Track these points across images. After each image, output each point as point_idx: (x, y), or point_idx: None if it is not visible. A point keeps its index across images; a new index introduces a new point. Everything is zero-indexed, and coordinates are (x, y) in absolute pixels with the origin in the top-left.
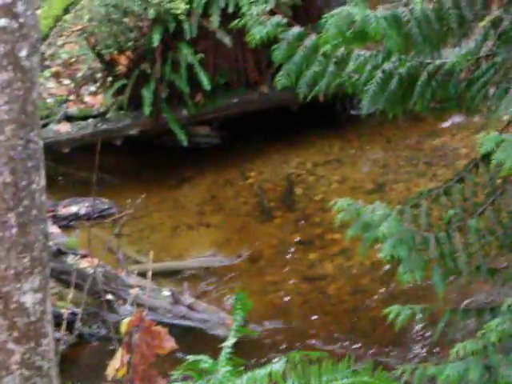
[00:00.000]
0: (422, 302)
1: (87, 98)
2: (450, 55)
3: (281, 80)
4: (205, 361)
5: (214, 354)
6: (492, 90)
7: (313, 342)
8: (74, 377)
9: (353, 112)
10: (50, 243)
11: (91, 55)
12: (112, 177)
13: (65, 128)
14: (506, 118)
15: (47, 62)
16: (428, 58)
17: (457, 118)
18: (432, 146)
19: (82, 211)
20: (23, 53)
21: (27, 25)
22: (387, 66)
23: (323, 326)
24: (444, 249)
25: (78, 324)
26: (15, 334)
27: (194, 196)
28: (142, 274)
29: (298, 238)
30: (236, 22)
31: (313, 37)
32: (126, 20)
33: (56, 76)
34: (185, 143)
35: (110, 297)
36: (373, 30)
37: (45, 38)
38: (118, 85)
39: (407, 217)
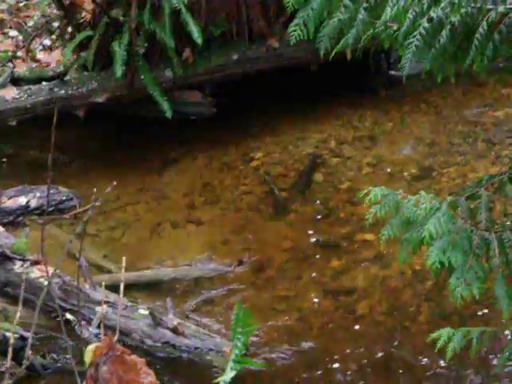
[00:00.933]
0: (481, 323)
1: (40, 55)
2: None
3: (295, 31)
4: None
5: None
6: None
7: (337, 376)
8: None
9: (391, 73)
10: None
11: None
12: (73, 158)
13: (11, 94)
14: None
15: None
16: (489, 3)
17: None
18: (495, 118)
19: (34, 203)
20: None
21: None
22: (435, 12)
23: (351, 355)
24: (510, 254)
25: (29, 352)
26: None
27: (180, 184)
28: (112, 287)
29: (317, 239)
30: None
31: None
32: None
33: None
34: (169, 114)
35: (69, 316)
36: None
37: None
38: (80, 37)
39: (462, 211)
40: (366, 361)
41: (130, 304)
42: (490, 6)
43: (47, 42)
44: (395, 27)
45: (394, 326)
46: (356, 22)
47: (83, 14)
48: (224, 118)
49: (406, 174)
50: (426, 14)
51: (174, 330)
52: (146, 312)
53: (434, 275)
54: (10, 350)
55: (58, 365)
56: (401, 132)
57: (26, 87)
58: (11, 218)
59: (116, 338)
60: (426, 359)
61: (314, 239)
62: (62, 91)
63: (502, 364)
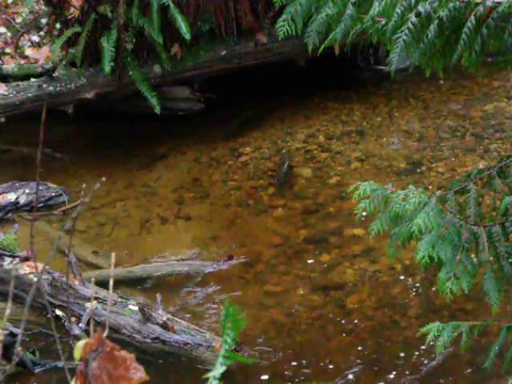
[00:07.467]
0: (471, 318)
1: (29, 52)
2: None
3: (283, 26)
4: None
5: None
6: None
7: (327, 371)
8: None
9: (379, 68)
10: None
11: None
12: (62, 154)
13: None
14: None
15: None
16: None
17: None
18: (483, 112)
19: (23, 200)
20: None
21: None
22: (423, 7)
23: (340, 350)
24: (499, 248)
25: (18, 348)
26: None
27: (169, 179)
28: (102, 283)
29: (306, 235)
30: None
31: None
32: None
33: None
34: (157, 110)
35: (59, 312)
36: None
37: None
38: (69, 33)
39: (451, 206)
40: (355, 355)
41: (119, 300)
42: (478, 0)
43: (36, 38)
44: (383, 22)
45: (383, 320)
46: (344, 17)
47: (71, 10)
48: (213, 113)
49: (394, 168)
50: (413, 8)
51: (164, 326)
52: (136, 308)
53: (423, 269)
54: (0, 346)
55: (48, 361)
56: (389, 126)
57: (15, 84)
58: (0, 214)
59: (105, 333)
60: (416, 353)
61: (303, 234)
62: (51, 87)
63: (491, 360)
